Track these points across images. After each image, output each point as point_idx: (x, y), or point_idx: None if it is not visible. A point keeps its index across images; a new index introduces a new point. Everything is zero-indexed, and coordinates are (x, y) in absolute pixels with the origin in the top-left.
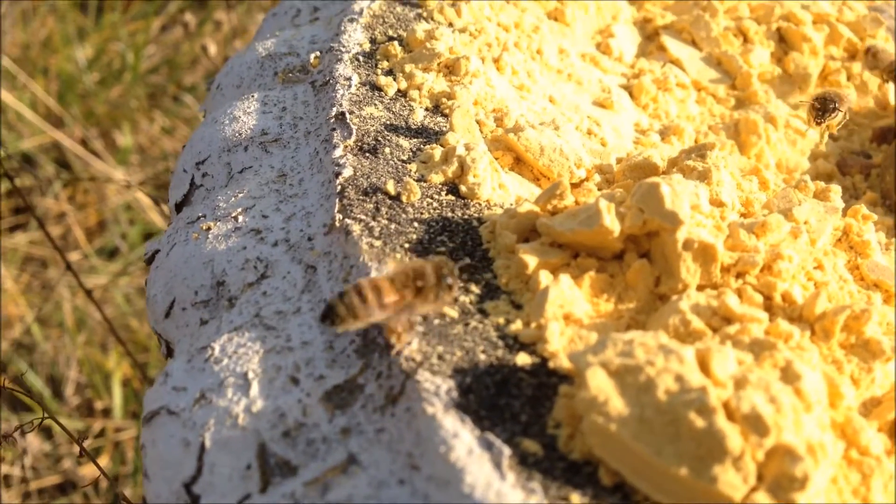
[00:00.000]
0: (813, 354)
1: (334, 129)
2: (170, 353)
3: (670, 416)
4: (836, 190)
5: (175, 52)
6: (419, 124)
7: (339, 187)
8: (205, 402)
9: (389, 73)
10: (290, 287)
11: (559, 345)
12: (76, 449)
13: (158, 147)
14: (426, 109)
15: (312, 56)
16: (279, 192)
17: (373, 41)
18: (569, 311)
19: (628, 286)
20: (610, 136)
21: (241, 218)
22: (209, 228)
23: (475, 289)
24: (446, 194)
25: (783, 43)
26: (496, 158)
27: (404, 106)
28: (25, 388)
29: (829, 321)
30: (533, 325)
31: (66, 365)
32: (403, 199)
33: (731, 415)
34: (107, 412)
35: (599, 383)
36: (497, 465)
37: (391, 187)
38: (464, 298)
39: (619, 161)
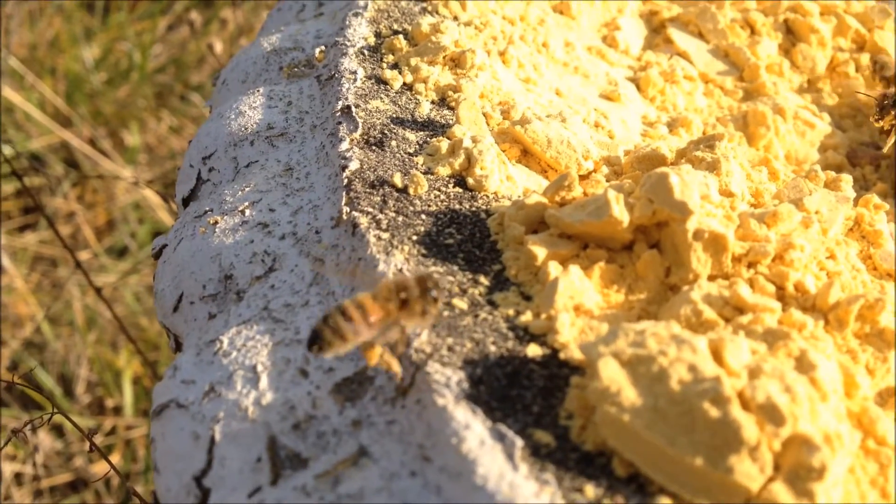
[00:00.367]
0: (827, 344)
1: (340, 123)
2: (178, 347)
3: (684, 406)
4: (846, 179)
5: (182, 52)
6: (425, 117)
7: (345, 180)
8: (214, 395)
9: (395, 66)
10: (298, 280)
11: (570, 336)
12: (87, 446)
13: (166, 146)
14: (432, 102)
15: (317, 51)
16: (286, 185)
17: (378, 35)
18: (579, 302)
19: (638, 277)
20: (618, 128)
21: (248, 212)
22: (216, 222)
23: (484, 280)
24: (453, 186)
25: (790, 34)
26: (503, 151)
27: (410, 99)
28: (35, 385)
29: (843, 311)
30: (543, 316)
31: (77, 363)
32: (411, 191)
33: (745, 404)
34: (117, 410)
35: (611, 373)
36: (510, 456)
37: (398, 180)
38: (473, 290)
39: (626, 153)
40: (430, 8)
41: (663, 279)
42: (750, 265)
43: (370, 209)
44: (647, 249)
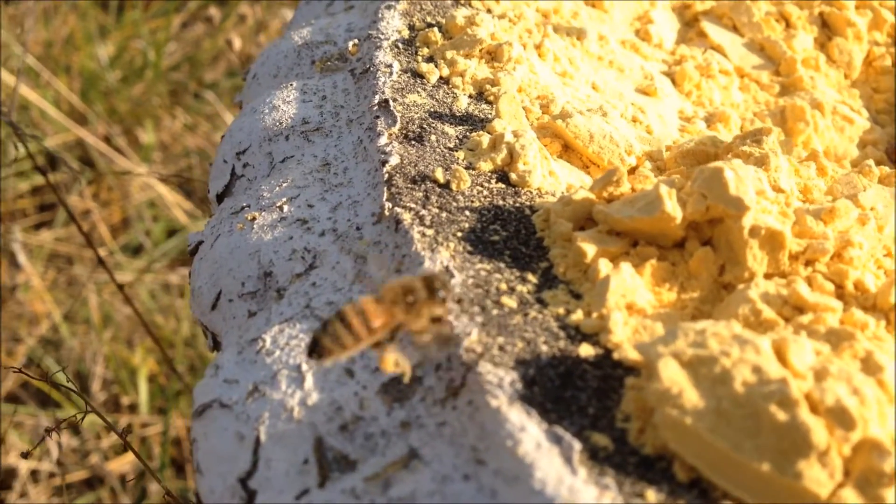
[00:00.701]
0: (891, 345)
1: (378, 117)
2: (216, 345)
3: (749, 408)
4: None
5: (196, 49)
6: (464, 111)
7: (386, 175)
8: (258, 395)
9: (430, 60)
10: (340, 277)
11: (623, 335)
12: (104, 444)
13: (180, 144)
14: (469, 97)
15: (350, 44)
16: (323, 181)
17: (411, 28)
18: (631, 301)
19: (691, 275)
20: (655, 123)
21: (286, 208)
22: (254, 219)
23: (532, 278)
24: (496, 182)
25: (826, 28)
26: (544, 146)
27: (447, 93)
28: (54, 383)
29: None
30: (595, 315)
31: (93, 361)
32: (453, 187)
33: (814, 407)
34: (133, 408)
35: (672, 374)
36: (567, 459)
37: (440, 175)
38: (521, 288)
39: (668, 148)
40: (462, 0)
41: (717, 277)
42: (807, 263)
43: (413, 205)
44: (700, 247)
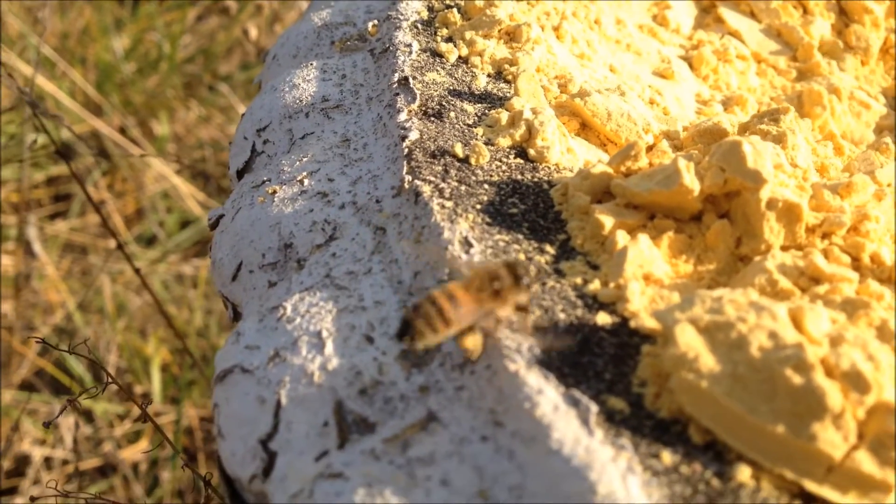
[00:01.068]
0: None
1: (398, 94)
2: (236, 316)
3: (765, 372)
4: None
5: (210, 42)
6: (482, 90)
7: (406, 150)
8: (279, 360)
9: (449, 40)
10: (359, 248)
11: (640, 304)
12: (117, 432)
13: (194, 135)
14: (488, 76)
15: (370, 24)
16: (343, 156)
17: (430, 9)
18: (648, 272)
19: (708, 247)
20: (672, 105)
21: (306, 181)
22: (275, 192)
23: (550, 249)
24: (514, 157)
25: (843, 15)
26: (562, 124)
27: (466, 72)
28: (66, 370)
29: None
30: (612, 284)
31: (107, 350)
32: (472, 161)
33: (829, 372)
34: (146, 397)
35: (689, 340)
36: (584, 421)
37: (459, 150)
38: (539, 258)
39: (685, 128)
40: None
41: (733, 250)
42: (824, 236)
43: (432, 178)
44: (717, 220)
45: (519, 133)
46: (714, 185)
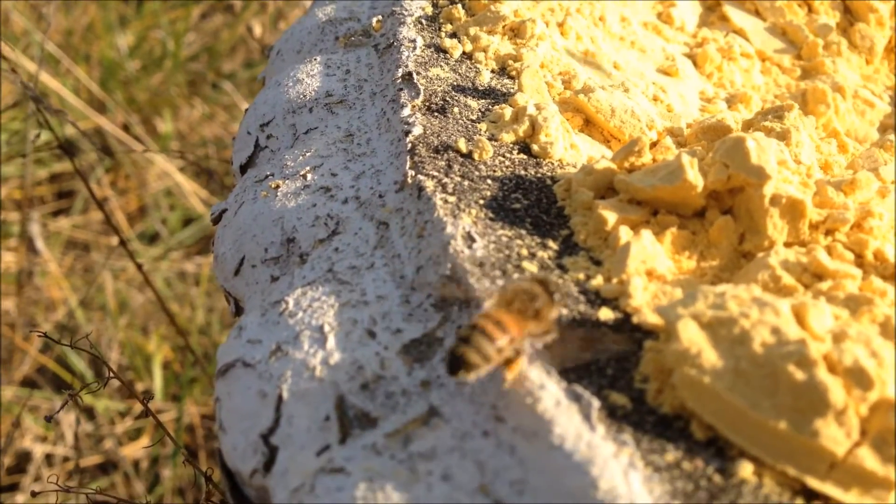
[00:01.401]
0: None
1: (401, 90)
2: (238, 311)
3: (768, 368)
4: None
5: (214, 40)
6: (486, 86)
7: (409, 145)
8: (281, 355)
9: (453, 35)
10: (362, 243)
11: (642, 300)
12: (118, 430)
13: (198, 133)
14: (492, 72)
15: (374, 20)
16: (347, 151)
17: (435, 5)
18: (651, 267)
19: (711, 243)
20: (676, 102)
21: (309, 176)
22: (278, 187)
23: (553, 244)
24: (518, 153)
25: (848, 14)
26: (566, 120)
27: (470, 68)
28: (67, 366)
29: None
30: (615, 280)
31: (108, 347)
32: (475, 156)
33: (832, 368)
34: (147, 394)
35: (691, 335)
36: (586, 416)
37: (462, 145)
38: (542, 253)
39: (689, 125)
40: None
41: (737, 246)
42: (827, 232)
43: (435, 173)
44: (720, 216)
45: (522, 129)
46: (717, 181)
